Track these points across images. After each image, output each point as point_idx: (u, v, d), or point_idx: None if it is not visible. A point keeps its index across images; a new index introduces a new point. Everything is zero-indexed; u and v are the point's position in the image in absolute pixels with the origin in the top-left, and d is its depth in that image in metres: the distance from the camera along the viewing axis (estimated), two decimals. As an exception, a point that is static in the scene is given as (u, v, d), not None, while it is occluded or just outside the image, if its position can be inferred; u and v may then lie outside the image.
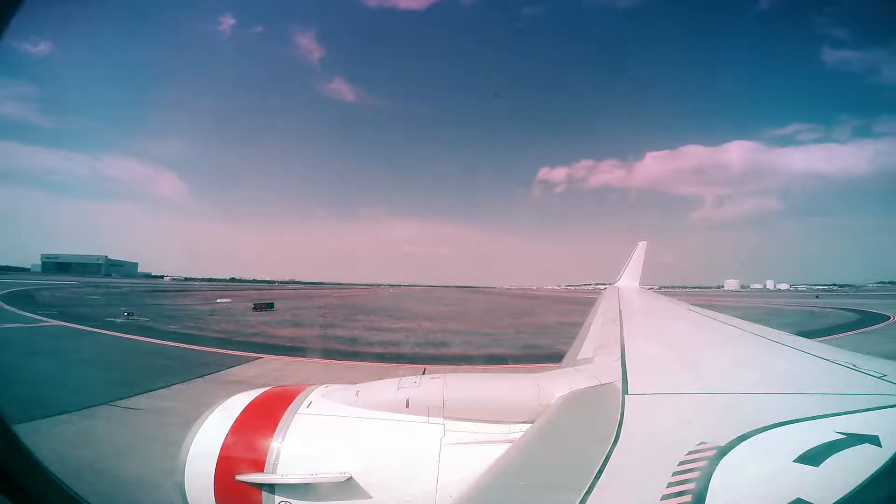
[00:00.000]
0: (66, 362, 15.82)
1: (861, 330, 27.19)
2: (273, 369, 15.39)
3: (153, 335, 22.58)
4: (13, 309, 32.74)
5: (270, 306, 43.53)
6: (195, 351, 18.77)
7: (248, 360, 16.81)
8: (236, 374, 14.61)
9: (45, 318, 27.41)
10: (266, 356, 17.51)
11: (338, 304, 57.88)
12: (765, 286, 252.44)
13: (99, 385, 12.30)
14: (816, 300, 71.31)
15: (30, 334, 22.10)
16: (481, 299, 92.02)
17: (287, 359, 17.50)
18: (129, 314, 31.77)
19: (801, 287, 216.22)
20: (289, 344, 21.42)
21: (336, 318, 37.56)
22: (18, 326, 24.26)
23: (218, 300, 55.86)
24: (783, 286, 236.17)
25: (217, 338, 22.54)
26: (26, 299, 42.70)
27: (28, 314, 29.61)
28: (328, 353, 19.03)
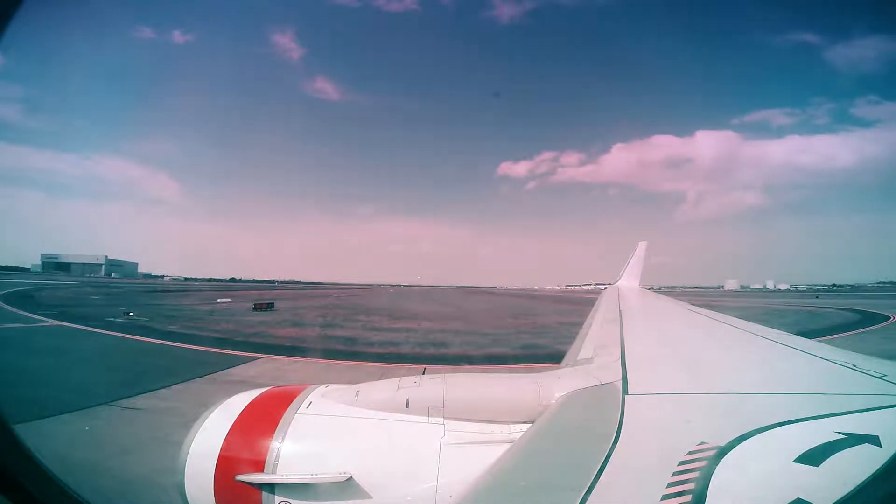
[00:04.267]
0: (65, 362, 15.79)
1: (861, 330, 27.14)
2: (273, 369, 15.37)
3: (153, 335, 22.51)
4: (13, 309, 32.62)
5: (270, 306, 43.45)
6: (195, 351, 18.73)
7: (247, 360, 16.77)
8: (236, 374, 14.59)
9: (45, 318, 27.28)
10: (266, 356, 17.48)
11: (337, 304, 57.69)
12: (764, 286, 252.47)
13: (99, 385, 12.28)
14: (816, 300, 71.20)
15: (29, 334, 22.04)
16: (481, 299, 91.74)
17: (287, 359, 17.47)
18: (128, 314, 31.65)
19: (800, 287, 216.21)
20: (288, 344, 21.38)
21: (336, 318, 37.48)
22: (18, 326, 24.15)
23: (218, 300, 55.65)
24: (783, 286, 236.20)
25: (216, 338, 22.47)
26: (26, 299, 42.58)
27: (28, 314, 29.48)
28: (328, 354, 18.99)
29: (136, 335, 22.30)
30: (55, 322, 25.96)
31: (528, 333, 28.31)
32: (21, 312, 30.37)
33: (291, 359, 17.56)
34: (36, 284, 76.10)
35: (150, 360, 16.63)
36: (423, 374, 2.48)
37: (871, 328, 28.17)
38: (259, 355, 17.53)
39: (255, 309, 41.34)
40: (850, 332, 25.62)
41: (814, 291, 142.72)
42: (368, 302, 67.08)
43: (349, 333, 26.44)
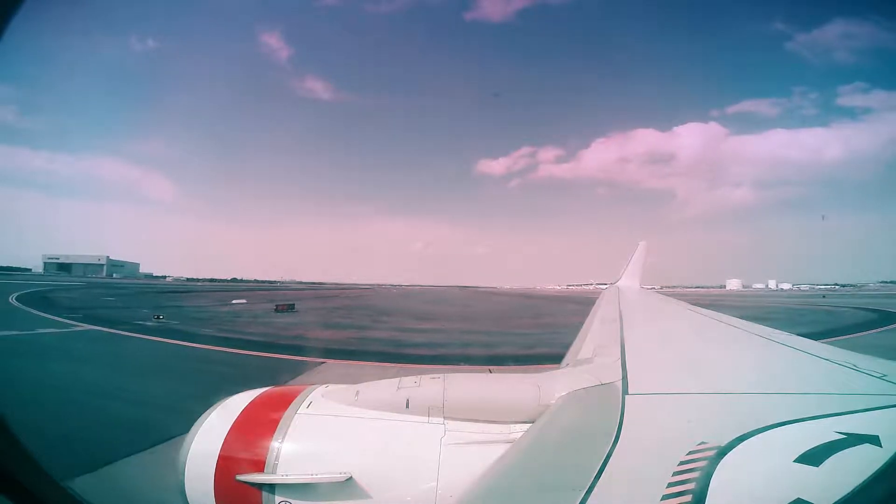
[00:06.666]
0: (130, 372, 14.65)
1: (885, 328, 27.11)
2: (345, 374, 14.51)
3: (195, 340, 21.32)
4: (37, 311, 31.45)
5: (291, 308, 43.01)
6: (253, 357, 17.86)
7: (313, 364, 15.93)
8: (312, 381, 13.76)
9: (76, 322, 25.82)
10: (328, 361, 16.59)
11: (354, 305, 56.64)
12: (767, 286, 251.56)
13: (186, 398, 9.88)
14: (824, 300, 70.70)
15: (69, 340, 20.90)
16: (491, 300, 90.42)
17: (351, 363, 16.68)
18: (158, 317, 30.60)
19: (802, 286, 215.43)
20: (338, 347, 20.60)
21: (363, 319, 36.66)
22: (54, 332, 22.60)
23: (233, 301, 54.89)
24: (785, 286, 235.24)
25: (263, 342, 21.49)
26: (44, 301, 41.43)
27: (54, 317, 27.93)
28: (387, 357, 18.23)
29: (178, 340, 21.15)
30: (88, 326, 24.76)
31: (551, 333, 27.37)
32: (47, 315, 29.00)
33: (356, 363, 16.75)
34: (44, 285, 74.38)
35: (213, 368, 15.75)
36: (424, 374, 2.48)
37: (893, 326, 28.26)
38: (321, 360, 16.71)
39: (276, 311, 40.90)
40: (873, 331, 25.64)
41: (817, 291, 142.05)
42: (381, 303, 65.90)
43: (387, 335, 25.77)
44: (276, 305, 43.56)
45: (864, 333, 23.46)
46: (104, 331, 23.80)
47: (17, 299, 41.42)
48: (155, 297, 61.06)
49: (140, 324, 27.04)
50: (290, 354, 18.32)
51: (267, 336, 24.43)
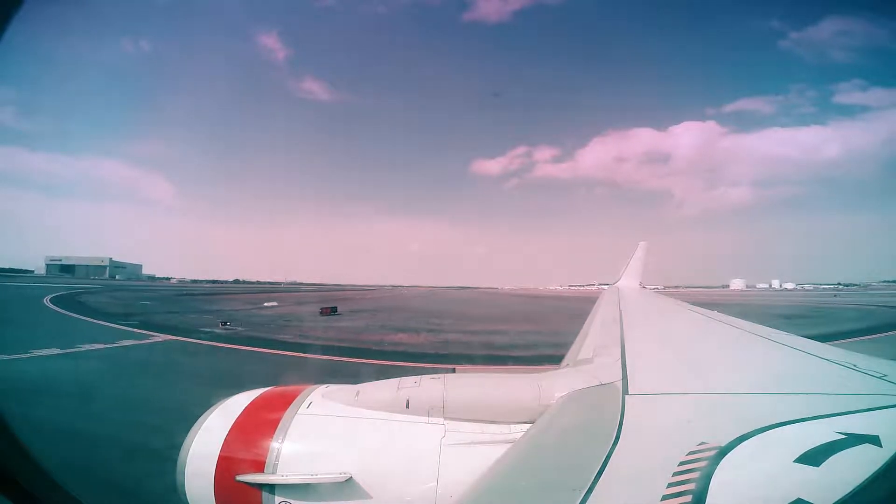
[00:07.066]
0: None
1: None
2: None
3: (284, 347, 20.43)
4: (91, 319, 29.76)
5: (334, 310, 42.67)
6: (368, 365, 16.92)
7: (446, 371, 15.13)
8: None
9: (149, 332, 24.27)
10: (456, 366, 15.83)
11: (387, 307, 54.86)
12: (770, 285, 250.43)
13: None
14: (836, 299, 69.79)
15: (165, 352, 19.71)
16: (514, 300, 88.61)
17: (480, 368, 15.68)
18: (225, 324, 29.39)
19: (806, 286, 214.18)
20: (436, 352, 19.88)
21: (418, 322, 35.02)
22: (137, 343, 21.30)
23: (265, 304, 53.87)
24: (788, 285, 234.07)
25: (360, 348, 20.58)
26: (83, 305, 40.06)
27: (121, 326, 26.26)
28: (510, 360, 17.47)
29: (272, 349, 20.17)
30: (164, 336, 23.37)
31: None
32: (108, 324, 27.32)
33: (488, 367, 15.77)
34: (63, 288, 72.29)
35: (342, 379, 14.90)
36: (424, 374, 2.48)
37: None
38: (448, 365, 15.95)
39: (321, 314, 40.39)
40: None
41: (822, 290, 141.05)
42: (410, 304, 64.19)
43: (470, 339, 25.07)
44: (321, 308, 42.91)
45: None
46: (185, 341, 22.44)
47: (55, 304, 40.02)
48: (182, 300, 59.13)
49: (210, 331, 25.84)
50: (405, 361, 17.36)
51: (359, 342, 23.17)
